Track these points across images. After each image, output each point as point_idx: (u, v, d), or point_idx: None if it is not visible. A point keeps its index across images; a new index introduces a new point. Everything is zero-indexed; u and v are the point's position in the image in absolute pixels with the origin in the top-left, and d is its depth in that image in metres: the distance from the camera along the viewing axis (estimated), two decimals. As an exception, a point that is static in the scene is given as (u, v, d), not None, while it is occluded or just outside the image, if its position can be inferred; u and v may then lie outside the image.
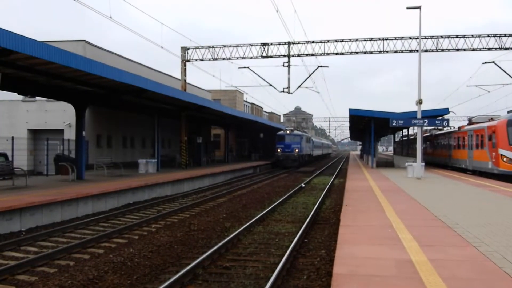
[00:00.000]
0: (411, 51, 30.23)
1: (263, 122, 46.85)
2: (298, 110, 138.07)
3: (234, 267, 8.08)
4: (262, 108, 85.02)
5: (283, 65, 32.05)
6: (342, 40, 30.95)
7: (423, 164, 22.46)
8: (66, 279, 7.34)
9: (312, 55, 31.66)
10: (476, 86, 40.97)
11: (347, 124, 66.30)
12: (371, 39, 30.56)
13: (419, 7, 21.52)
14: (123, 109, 27.79)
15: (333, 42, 31.09)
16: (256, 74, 34.02)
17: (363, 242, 7.43)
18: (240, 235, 10.57)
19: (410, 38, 30.25)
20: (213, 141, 50.59)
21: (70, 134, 26.23)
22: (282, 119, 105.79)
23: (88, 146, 25.34)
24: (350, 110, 30.13)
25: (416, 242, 7.32)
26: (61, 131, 27.60)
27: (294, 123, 66.67)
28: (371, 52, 30.66)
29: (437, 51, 30.03)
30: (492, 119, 25.72)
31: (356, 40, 30.67)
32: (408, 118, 24.03)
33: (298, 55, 31.87)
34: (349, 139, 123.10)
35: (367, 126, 35.12)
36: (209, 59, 32.61)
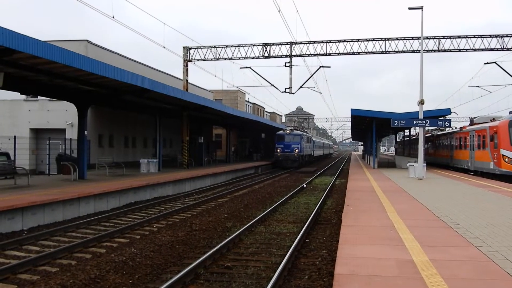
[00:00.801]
0: (413, 51, 30.15)
1: (265, 122, 46.79)
2: (300, 110, 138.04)
3: (235, 267, 8.09)
4: (263, 108, 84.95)
5: (285, 65, 32.02)
6: (344, 41, 30.91)
7: (425, 164, 22.43)
8: (68, 278, 7.35)
9: (314, 55, 31.64)
10: (478, 86, 40.99)
11: (349, 124, 66.15)
12: (373, 40, 30.50)
13: (421, 8, 21.48)
14: (125, 109, 27.82)
15: (335, 42, 31.05)
16: (258, 74, 34.07)
17: (364, 242, 7.43)
18: (241, 235, 10.58)
19: (412, 38, 30.15)
20: (214, 141, 50.59)
21: (72, 133, 26.29)
22: (284, 120, 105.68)
23: (90, 145, 25.39)
24: (352, 110, 30.12)
25: (417, 242, 7.32)
26: (63, 131, 27.66)
27: (295, 123, 66.56)
28: (373, 53, 30.60)
29: (439, 51, 29.96)
30: (494, 119, 25.67)
31: (358, 40, 30.62)
32: (410, 118, 24.01)
33: (300, 55, 31.81)
34: (351, 139, 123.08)
35: (369, 126, 35.10)
36: (211, 59, 32.60)
